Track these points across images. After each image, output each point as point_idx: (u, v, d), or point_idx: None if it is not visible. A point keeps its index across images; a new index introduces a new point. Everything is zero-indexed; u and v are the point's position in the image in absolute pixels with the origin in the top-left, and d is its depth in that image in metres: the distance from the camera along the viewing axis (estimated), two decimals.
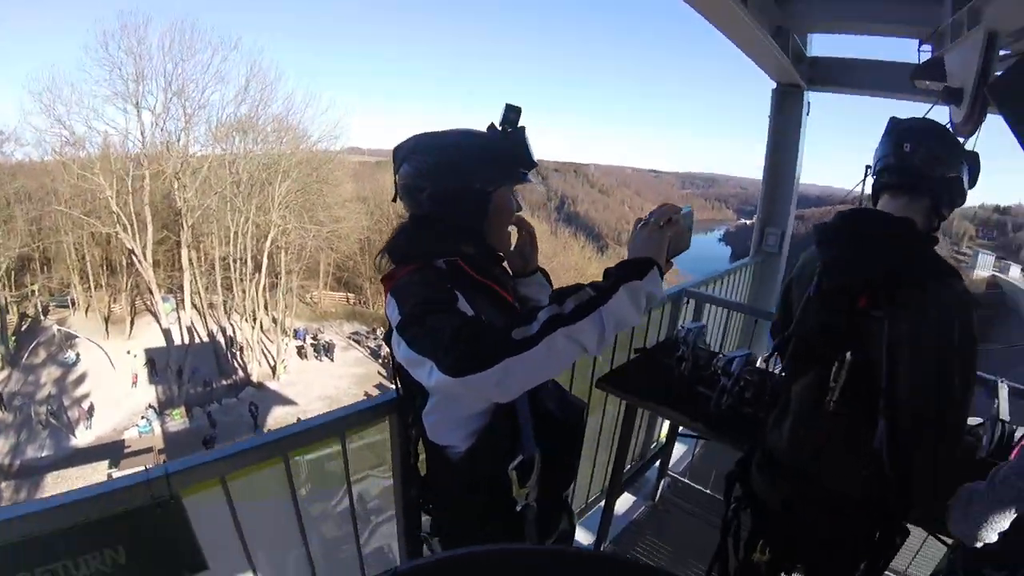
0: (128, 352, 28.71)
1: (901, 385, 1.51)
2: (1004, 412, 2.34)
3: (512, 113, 1.53)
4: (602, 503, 3.35)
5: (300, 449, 1.90)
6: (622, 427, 3.06)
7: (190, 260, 31.22)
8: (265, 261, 32.07)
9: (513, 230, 1.71)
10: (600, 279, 1.29)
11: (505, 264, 1.78)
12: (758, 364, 2.79)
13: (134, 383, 26.93)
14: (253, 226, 31.56)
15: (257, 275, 32.27)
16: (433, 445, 1.62)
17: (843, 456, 1.69)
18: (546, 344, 1.17)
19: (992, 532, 1.57)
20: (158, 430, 24.44)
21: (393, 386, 1.83)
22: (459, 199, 1.51)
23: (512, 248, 1.78)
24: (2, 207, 29.48)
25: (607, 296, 1.22)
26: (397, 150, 1.57)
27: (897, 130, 1.75)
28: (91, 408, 25.12)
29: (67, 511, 1.47)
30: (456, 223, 1.53)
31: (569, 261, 53.04)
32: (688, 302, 3.85)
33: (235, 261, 32.43)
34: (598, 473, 3.59)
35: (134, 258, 29.63)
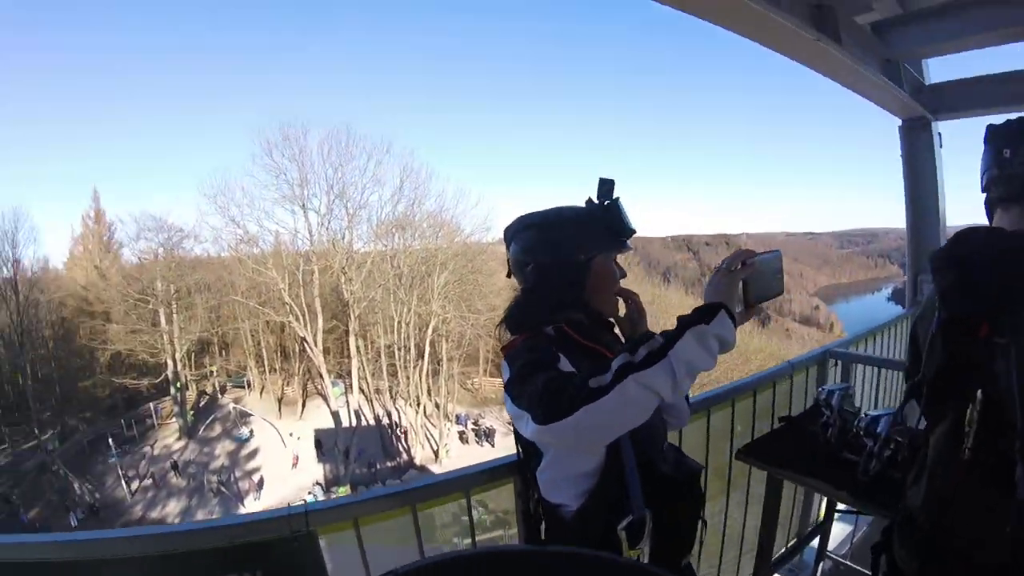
0: (291, 434, 30.86)
1: None
2: None
3: (606, 186, 1.64)
4: None
5: (426, 503, 2.02)
6: (765, 500, 2.85)
7: (357, 348, 33.43)
8: (427, 348, 33.64)
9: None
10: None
11: (617, 331, 1.84)
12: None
13: (294, 465, 28.62)
14: (415, 316, 33.48)
15: (420, 362, 33.88)
16: (548, 504, 1.65)
17: (982, 510, 1.45)
18: (619, 391, 1.21)
19: None
20: None
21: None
22: (558, 270, 1.62)
23: (622, 315, 1.84)
24: (184, 296, 33.86)
25: (674, 341, 1.26)
26: (506, 231, 1.74)
27: (993, 136, 1.59)
28: (261, 481, 27.24)
29: (215, 533, 1.72)
30: (558, 293, 1.63)
31: None
32: (836, 364, 3.60)
33: (399, 349, 34.39)
34: (748, 553, 3.30)
35: (306, 345, 32.34)
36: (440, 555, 0.77)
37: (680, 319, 1.31)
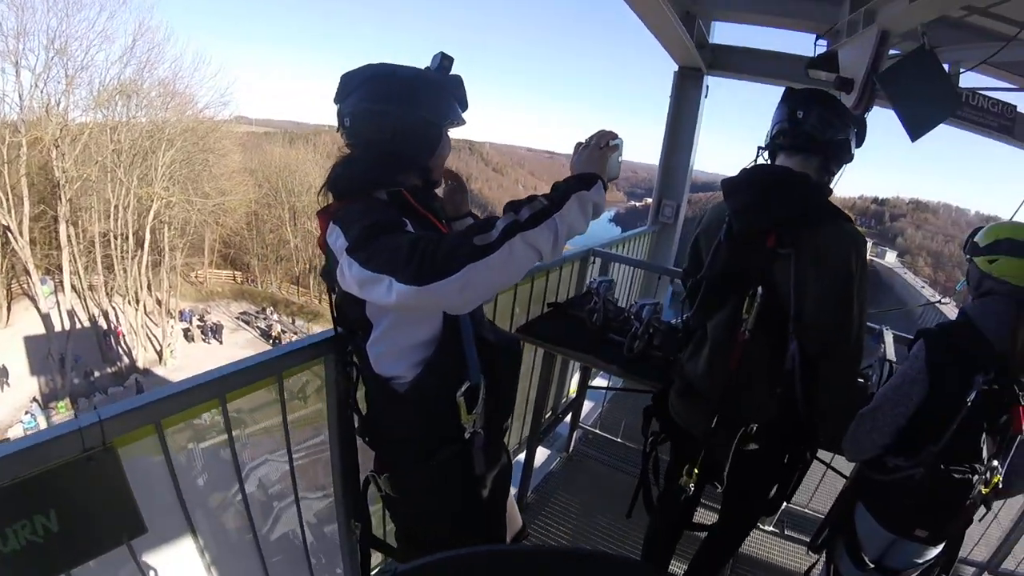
0: None
1: (809, 309, 1.77)
2: (890, 353, 2.68)
3: (447, 61, 1.60)
4: (521, 455, 3.52)
5: (237, 391, 1.83)
6: (540, 377, 3.25)
7: (69, 237, 28.72)
8: (148, 237, 30.04)
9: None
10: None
11: None
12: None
13: None
14: (135, 199, 29.51)
15: (139, 252, 30.14)
16: (377, 378, 1.65)
17: (757, 378, 1.92)
18: (507, 248, 1.23)
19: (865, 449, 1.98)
20: (44, 424, 22.13)
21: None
22: (418, 129, 1.56)
23: (442, 195, 1.89)
24: None
25: (560, 204, 1.32)
26: (349, 77, 1.58)
27: (791, 98, 1.96)
28: None
29: None
30: (414, 150, 1.59)
31: None
32: (595, 261, 4.12)
33: (116, 238, 30.12)
34: (515, 426, 3.71)
35: (9, 236, 26.86)
36: (440, 554, 0.78)
37: (560, 185, 1.37)
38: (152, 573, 1.75)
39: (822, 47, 3.97)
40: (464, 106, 1.67)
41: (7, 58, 25.89)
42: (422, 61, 1.64)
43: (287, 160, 42.71)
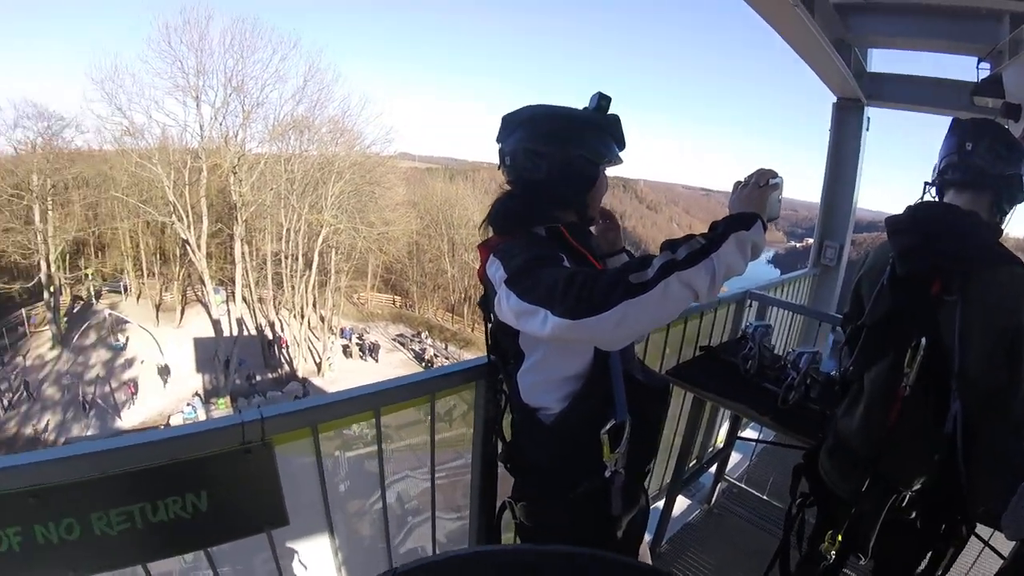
0: (141, 361, 28.53)
1: (974, 364, 1.58)
2: None
3: (605, 100, 1.63)
4: (660, 503, 3.37)
5: (391, 407, 1.93)
6: (687, 423, 3.12)
7: (243, 254, 31.61)
8: (316, 259, 32.53)
9: None
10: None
11: None
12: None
13: (132, 393, 26.13)
14: (305, 224, 32.14)
15: (307, 272, 32.81)
16: (525, 407, 1.67)
17: (915, 440, 1.73)
18: (662, 287, 1.21)
19: None
20: (203, 417, 24.36)
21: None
22: (576, 168, 1.59)
23: (596, 232, 1.89)
24: (60, 191, 30.27)
25: (718, 244, 1.27)
26: (510, 118, 1.64)
27: (960, 130, 1.81)
28: (136, 391, 25.82)
29: (154, 449, 1.43)
30: (566, 192, 1.62)
31: None
32: (751, 304, 3.92)
33: (286, 258, 33.13)
34: (655, 472, 3.57)
35: (188, 248, 30.18)
36: (443, 553, 0.75)
37: (718, 224, 1.33)
38: (291, 560, 1.90)
39: (985, 71, 3.65)
40: (622, 145, 1.68)
41: (189, 93, 29.23)
42: (566, 96, 1.68)
43: (447, 195, 45.00)
